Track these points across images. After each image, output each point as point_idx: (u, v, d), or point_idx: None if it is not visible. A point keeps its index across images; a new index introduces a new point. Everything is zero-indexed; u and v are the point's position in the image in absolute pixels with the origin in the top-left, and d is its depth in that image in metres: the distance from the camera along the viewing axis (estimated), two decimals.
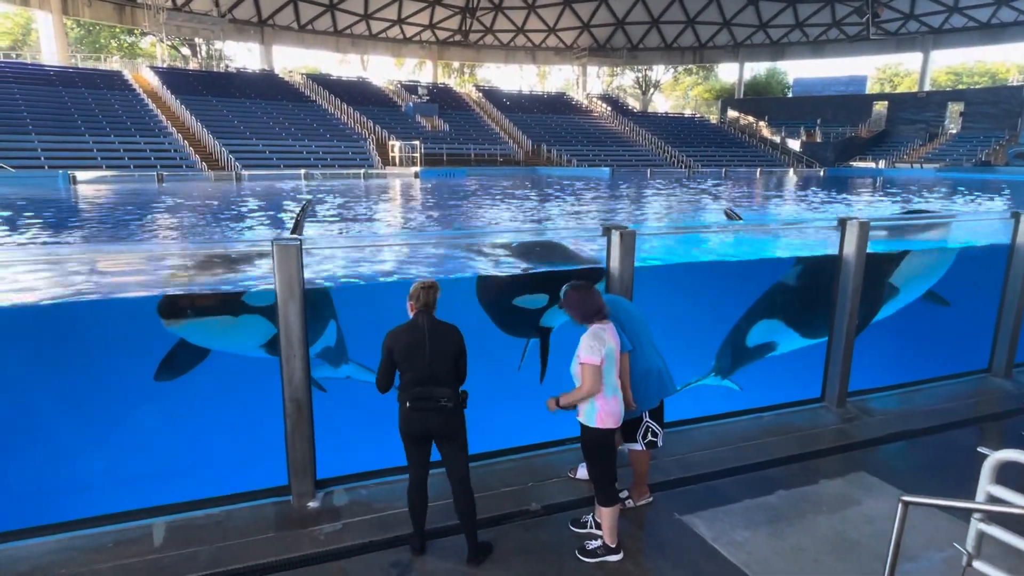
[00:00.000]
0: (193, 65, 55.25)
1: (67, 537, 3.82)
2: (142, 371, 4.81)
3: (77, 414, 4.73)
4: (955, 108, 53.63)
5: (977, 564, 2.69)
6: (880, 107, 57.37)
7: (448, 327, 3.60)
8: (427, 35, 60.15)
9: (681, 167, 46.16)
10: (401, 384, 3.55)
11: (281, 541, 3.83)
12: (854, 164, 50.72)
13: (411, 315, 3.59)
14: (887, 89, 74.21)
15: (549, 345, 6.13)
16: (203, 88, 43.51)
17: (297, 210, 9.68)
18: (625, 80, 79.78)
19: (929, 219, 10.05)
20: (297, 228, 8.42)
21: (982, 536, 2.69)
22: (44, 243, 10.84)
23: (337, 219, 14.89)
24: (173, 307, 4.83)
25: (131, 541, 3.80)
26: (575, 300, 3.71)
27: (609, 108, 59.33)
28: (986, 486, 2.66)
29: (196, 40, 57.58)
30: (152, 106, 39.22)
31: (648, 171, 41.27)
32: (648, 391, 4.07)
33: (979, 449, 2.81)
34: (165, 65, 50.28)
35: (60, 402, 4.66)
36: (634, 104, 71.17)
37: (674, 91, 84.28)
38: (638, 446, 4.13)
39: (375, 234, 12.86)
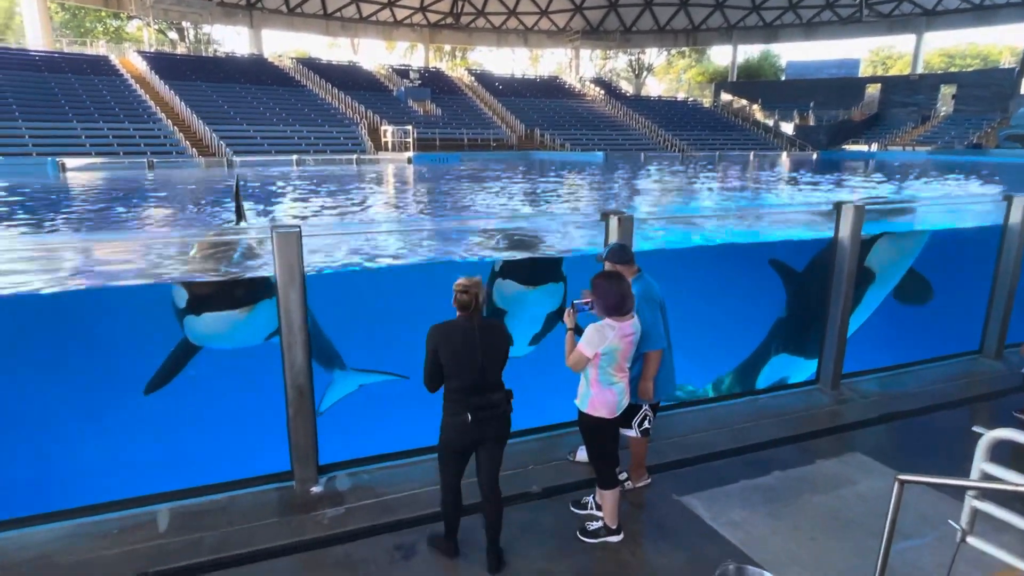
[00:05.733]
0: (181, 50, 54.46)
1: (71, 524, 3.84)
2: (145, 358, 4.81)
3: (80, 402, 4.73)
4: (947, 91, 53.73)
5: (971, 540, 2.75)
6: (872, 90, 57.36)
7: (497, 324, 3.39)
8: (418, 18, 59.52)
9: (674, 151, 46.10)
10: (448, 391, 3.30)
11: (285, 526, 3.87)
12: (847, 147, 50.82)
13: (457, 313, 3.30)
14: (879, 72, 74.09)
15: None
16: (192, 73, 42.97)
17: (233, 196, 9.40)
18: (618, 63, 79.38)
19: (923, 203, 10.09)
20: (239, 214, 8.45)
21: (976, 513, 2.75)
22: (39, 232, 10.75)
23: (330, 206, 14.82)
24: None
25: (135, 527, 3.83)
26: (597, 291, 3.55)
27: (602, 92, 58.98)
28: (980, 464, 2.71)
29: (184, 24, 56.78)
30: (140, 91, 38.70)
31: (642, 155, 41.19)
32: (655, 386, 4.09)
33: (974, 428, 2.86)
34: (152, 50, 49.51)
35: (63, 390, 4.66)
36: (627, 88, 70.80)
37: (667, 74, 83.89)
38: (633, 433, 4.16)
39: (372, 222, 12.82)
